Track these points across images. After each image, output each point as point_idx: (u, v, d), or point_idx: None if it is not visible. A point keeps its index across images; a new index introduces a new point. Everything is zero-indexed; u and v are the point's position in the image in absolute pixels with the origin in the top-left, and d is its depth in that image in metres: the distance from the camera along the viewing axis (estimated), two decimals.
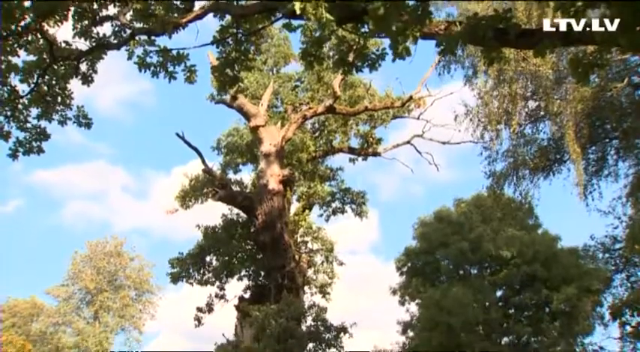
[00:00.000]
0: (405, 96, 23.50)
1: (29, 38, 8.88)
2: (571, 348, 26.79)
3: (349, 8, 7.78)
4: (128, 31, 9.15)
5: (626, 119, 19.85)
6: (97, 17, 9.15)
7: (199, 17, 8.96)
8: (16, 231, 74.85)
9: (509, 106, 20.67)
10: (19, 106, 9.45)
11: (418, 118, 24.80)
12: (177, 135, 20.30)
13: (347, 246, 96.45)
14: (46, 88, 9.42)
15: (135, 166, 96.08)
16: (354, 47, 8.47)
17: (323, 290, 24.23)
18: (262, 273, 21.83)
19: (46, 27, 8.82)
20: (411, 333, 30.84)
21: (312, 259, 24.22)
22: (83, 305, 47.25)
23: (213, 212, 28.49)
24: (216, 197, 21.19)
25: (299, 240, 23.89)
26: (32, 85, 9.18)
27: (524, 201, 23.21)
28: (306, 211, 24.66)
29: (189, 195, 23.84)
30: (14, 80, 9.22)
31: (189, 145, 20.63)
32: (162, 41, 9.23)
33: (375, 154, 25.08)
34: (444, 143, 24.73)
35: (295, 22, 8.80)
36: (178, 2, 9.07)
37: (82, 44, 9.13)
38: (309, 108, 23.05)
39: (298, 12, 7.25)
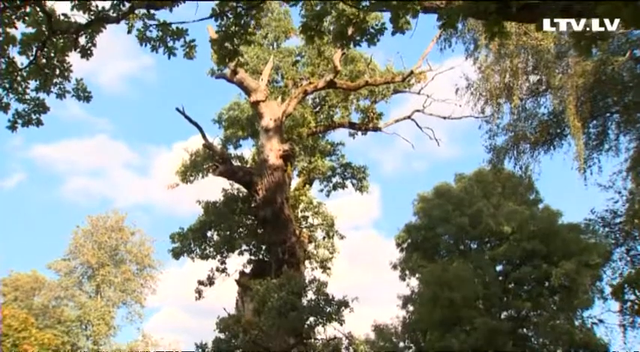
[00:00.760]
0: (405, 71, 23.39)
1: (27, 10, 8.79)
2: (570, 322, 27.02)
3: None
4: (127, 5, 9.05)
5: (628, 93, 19.76)
6: None
7: None
8: (18, 205, 75.08)
9: (511, 80, 20.60)
10: (18, 78, 9.39)
11: (419, 93, 24.75)
12: (178, 110, 20.24)
13: (350, 221, 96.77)
14: (44, 60, 9.35)
15: (136, 142, 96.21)
16: (354, 21, 8.40)
17: (324, 265, 24.37)
18: (263, 248, 22.00)
19: None
20: (411, 308, 31.10)
21: (312, 234, 24.35)
22: (85, 279, 47.58)
23: (215, 187, 28.58)
24: (216, 172, 21.19)
25: (299, 215, 23.98)
26: (31, 58, 9.12)
27: (524, 175, 23.21)
28: (307, 186, 24.73)
29: (190, 170, 23.88)
30: (12, 52, 9.17)
31: (190, 120, 20.58)
32: (162, 15, 9.15)
33: (376, 129, 25.04)
34: (444, 118, 24.75)
35: None
36: None
37: (81, 17, 9.05)
38: (310, 83, 22.93)
39: None
